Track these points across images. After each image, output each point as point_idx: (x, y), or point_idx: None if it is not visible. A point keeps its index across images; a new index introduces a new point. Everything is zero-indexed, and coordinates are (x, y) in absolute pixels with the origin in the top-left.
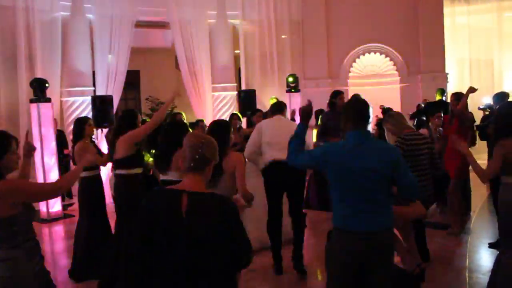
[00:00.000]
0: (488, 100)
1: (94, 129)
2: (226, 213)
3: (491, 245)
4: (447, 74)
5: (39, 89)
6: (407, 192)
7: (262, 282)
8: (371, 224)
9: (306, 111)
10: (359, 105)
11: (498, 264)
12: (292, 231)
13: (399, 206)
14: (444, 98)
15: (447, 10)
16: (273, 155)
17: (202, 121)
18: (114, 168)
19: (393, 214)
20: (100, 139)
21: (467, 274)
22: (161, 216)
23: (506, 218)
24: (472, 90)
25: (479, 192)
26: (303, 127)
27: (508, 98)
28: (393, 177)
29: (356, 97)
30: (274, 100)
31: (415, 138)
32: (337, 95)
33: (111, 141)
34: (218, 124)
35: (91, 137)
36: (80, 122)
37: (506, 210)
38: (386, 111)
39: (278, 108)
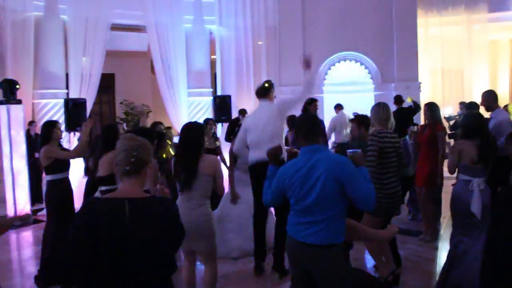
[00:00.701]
0: (450, 110)
1: (63, 133)
2: (167, 214)
3: None
4: (420, 83)
5: (9, 90)
6: (361, 204)
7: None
8: (311, 237)
9: (273, 154)
10: (309, 121)
11: (454, 251)
12: (275, 231)
13: (374, 230)
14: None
15: (420, 20)
16: (257, 156)
17: (169, 128)
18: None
19: (342, 229)
20: (73, 142)
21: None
22: (104, 226)
23: (458, 209)
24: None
25: (449, 198)
26: (272, 170)
27: (476, 108)
28: (342, 191)
29: (307, 112)
30: (410, 100)
31: (388, 136)
32: (311, 102)
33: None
34: (191, 126)
35: (59, 141)
36: (48, 126)
37: (456, 202)
38: (359, 118)
39: (262, 93)
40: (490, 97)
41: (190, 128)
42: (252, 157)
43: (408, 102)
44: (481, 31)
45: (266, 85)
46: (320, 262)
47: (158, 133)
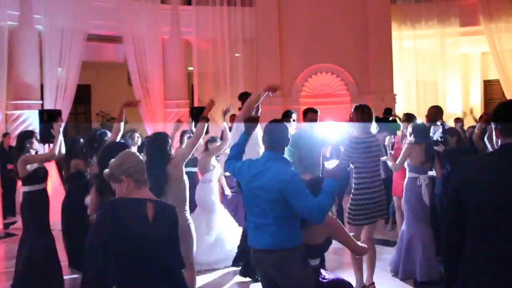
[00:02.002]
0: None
1: (38, 145)
2: (175, 219)
3: None
4: (395, 94)
5: None
6: (305, 216)
7: None
8: (261, 242)
9: (250, 121)
10: (278, 130)
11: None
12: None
13: (353, 240)
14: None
15: (395, 33)
16: None
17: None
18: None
19: (296, 233)
20: None
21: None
22: (128, 223)
23: (412, 199)
24: None
25: None
26: (245, 137)
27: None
28: (286, 200)
29: (274, 123)
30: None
31: (366, 141)
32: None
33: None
34: (156, 137)
35: (35, 153)
36: (23, 137)
37: (409, 194)
38: None
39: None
40: (434, 111)
41: (155, 139)
42: None
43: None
44: (453, 44)
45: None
46: (277, 267)
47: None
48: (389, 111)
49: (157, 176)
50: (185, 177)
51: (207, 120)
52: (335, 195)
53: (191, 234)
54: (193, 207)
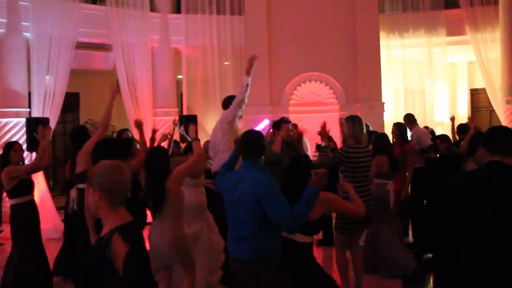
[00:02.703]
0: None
1: (24, 153)
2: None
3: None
4: (384, 103)
5: None
6: (278, 223)
7: None
8: (239, 253)
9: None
10: (251, 139)
11: (372, 236)
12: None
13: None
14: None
15: (383, 42)
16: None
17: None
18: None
19: (272, 245)
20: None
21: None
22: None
23: (381, 203)
24: None
25: None
26: (234, 158)
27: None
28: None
29: (248, 132)
30: None
31: (357, 151)
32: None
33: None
34: (153, 151)
35: (20, 163)
36: (6, 148)
37: (379, 199)
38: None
39: (226, 103)
40: (407, 120)
41: (154, 154)
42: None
43: None
44: (441, 53)
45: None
46: (254, 278)
47: (125, 140)
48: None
49: (156, 192)
50: (182, 192)
51: (198, 140)
52: (312, 205)
53: (187, 247)
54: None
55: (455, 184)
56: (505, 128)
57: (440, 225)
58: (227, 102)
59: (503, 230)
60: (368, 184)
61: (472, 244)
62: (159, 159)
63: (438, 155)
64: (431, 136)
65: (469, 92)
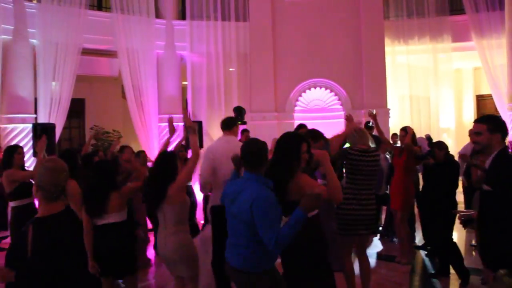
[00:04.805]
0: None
1: (31, 159)
2: (58, 228)
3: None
4: (389, 109)
5: None
6: (264, 242)
7: None
8: (233, 260)
9: (236, 160)
10: (252, 150)
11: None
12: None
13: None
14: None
15: (388, 49)
16: (217, 200)
17: (143, 152)
18: None
19: (263, 259)
20: None
21: None
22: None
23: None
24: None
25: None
26: (234, 175)
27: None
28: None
29: (250, 142)
30: None
31: (362, 154)
32: (299, 128)
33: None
34: (162, 154)
35: (22, 167)
36: (9, 151)
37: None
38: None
39: (226, 125)
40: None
41: (161, 159)
42: (214, 198)
43: None
44: (446, 59)
45: (233, 118)
46: (241, 285)
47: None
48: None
49: (155, 192)
50: (187, 199)
51: (195, 132)
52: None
53: (192, 252)
54: None
55: None
56: None
57: None
58: (227, 124)
59: None
60: (370, 189)
61: None
62: (165, 162)
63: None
64: (427, 141)
65: (475, 98)
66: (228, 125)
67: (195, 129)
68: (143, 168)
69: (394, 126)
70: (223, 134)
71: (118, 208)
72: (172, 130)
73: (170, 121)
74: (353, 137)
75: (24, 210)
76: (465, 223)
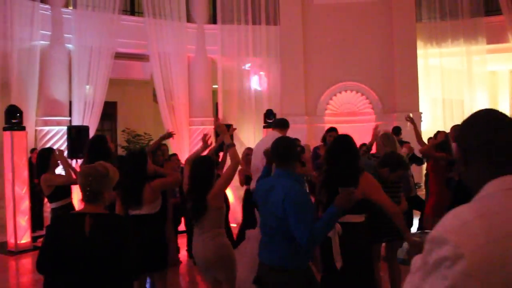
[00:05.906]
0: None
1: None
2: (122, 230)
3: None
4: (421, 113)
5: (12, 117)
6: (296, 238)
7: None
8: (266, 257)
9: (267, 154)
10: (282, 145)
11: None
12: None
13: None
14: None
15: (420, 51)
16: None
17: (175, 155)
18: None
19: (296, 255)
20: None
21: None
22: (66, 237)
23: None
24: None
25: None
26: (266, 171)
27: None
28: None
29: (280, 138)
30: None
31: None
32: (329, 131)
33: None
34: (200, 161)
35: (56, 167)
36: (45, 153)
37: None
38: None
39: (279, 124)
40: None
41: (199, 163)
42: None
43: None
44: (481, 62)
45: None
46: (277, 285)
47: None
48: (397, 131)
49: (196, 205)
50: (224, 204)
51: (233, 145)
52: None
53: (231, 254)
54: None
55: None
56: None
57: None
58: (278, 123)
59: None
60: (395, 196)
61: None
62: (203, 170)
63: None
64: None
65: (511, 101)
66: (284, 124)
67: (232, 143)
68: (175, 174)
69: (427, 130)
70: (272, 130)
71: (151, 200)
72: (206, 146)
73: (204, 139)
74: (379, 146)
75: (63, 210)
76: None
